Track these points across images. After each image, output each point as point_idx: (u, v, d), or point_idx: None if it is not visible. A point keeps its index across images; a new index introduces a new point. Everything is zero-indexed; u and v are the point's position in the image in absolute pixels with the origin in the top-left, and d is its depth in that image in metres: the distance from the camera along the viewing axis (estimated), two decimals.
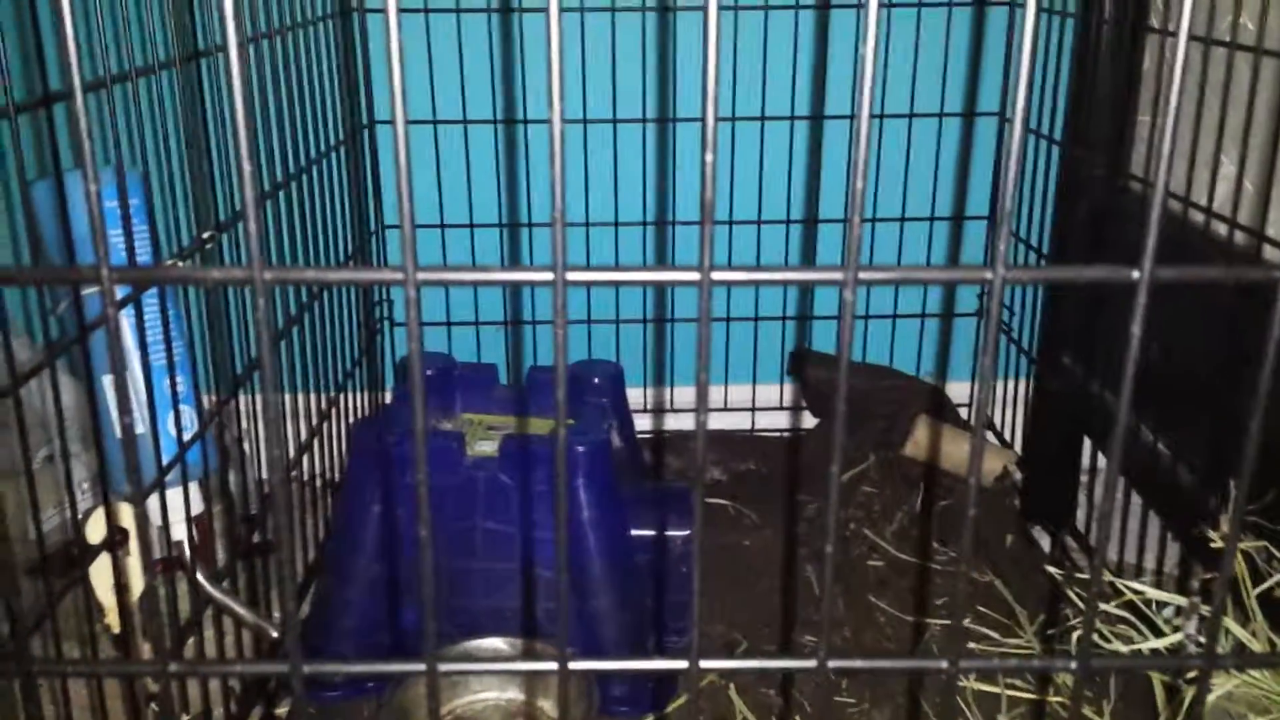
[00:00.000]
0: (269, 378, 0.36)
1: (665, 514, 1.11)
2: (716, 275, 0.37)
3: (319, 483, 1.26)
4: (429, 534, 0.39)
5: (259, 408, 1.03)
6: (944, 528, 1.33)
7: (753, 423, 1.61)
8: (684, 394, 1.61)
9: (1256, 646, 0.85)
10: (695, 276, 0.37)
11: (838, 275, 0.37)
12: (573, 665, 0.41)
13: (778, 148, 1.52)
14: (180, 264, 0.81)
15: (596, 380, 1.23)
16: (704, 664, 0.42)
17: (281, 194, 1.07)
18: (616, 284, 0.37)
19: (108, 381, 0.81)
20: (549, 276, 0.36)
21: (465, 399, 1.23)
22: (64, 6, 0.33)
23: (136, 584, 0.78)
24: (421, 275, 0.36)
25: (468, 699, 1.03)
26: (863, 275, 0.37)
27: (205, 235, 0.85)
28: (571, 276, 0.36)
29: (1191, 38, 1.05)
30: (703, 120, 0.35)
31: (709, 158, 0.35)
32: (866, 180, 0.36)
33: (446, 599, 1.07)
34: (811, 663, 0.43)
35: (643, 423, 1.57)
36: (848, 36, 1.47)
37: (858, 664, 0.44)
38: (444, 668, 0.41)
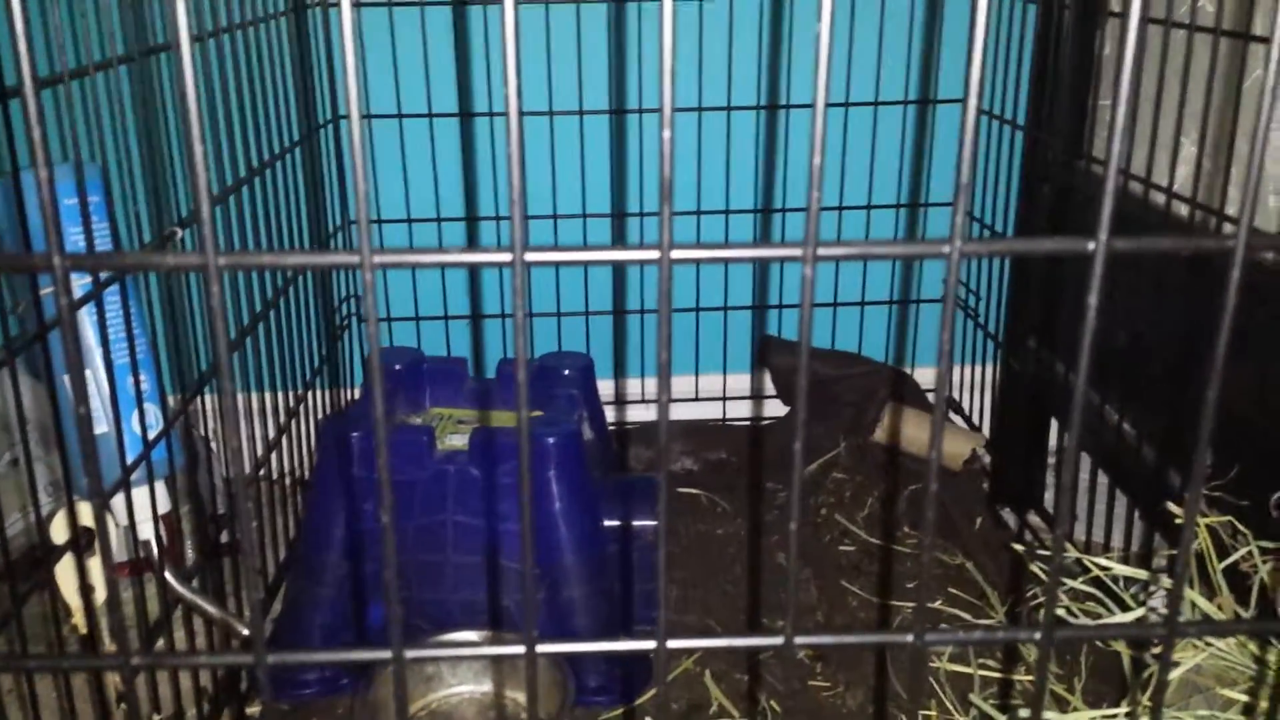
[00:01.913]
0: (224, 366, 0.36)
1: (636, 504, 1.11)
2: (676, 254, 0.37)
3: (288, 481, 1.25)
4: (390, 520, 0.39)
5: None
6: (914, 512, 1.34)
7: (724, 412, 1.62)
8: (654, 385, 1.61)
9: (1222, 619, 0.86)
10: (655, 255, 0.37)
11: (797, 251, 0.37)
12: (539, 648, 0.41)
13: (744, 138, 1.52)
14: None
15: (566, 372, 1.23)
16: (671, 643, 0.42)
17: (245, 189, 1.06)
18: (576, 264, 0.37)
19: (69, 381, 0.80)
20: (507, 257, 0.36)
21: (435, 393, 1.23)
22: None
23: (101, 584, 0.77)
24: (378, 258, 0.35)
25: (443, 693, 1.02)
26: (822, 251, 0.37)
27: (166, 232, 0.84)
28: (530, 257, 0.36)
29: (1150, 20, 1.06)
30: (660, 96, 0.35)
31: (666, 134, 0.35)
32: (824, 156, 0.36)
33: (417, 593, 1.07)
34: (778, 640, 0.43)
35: (614, 414, 1.58)
36: (813, 24, 1.47)
37: (824, 640, 0.44)
38: (410, 654, 0.41)
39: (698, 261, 0.37)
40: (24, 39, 0.34)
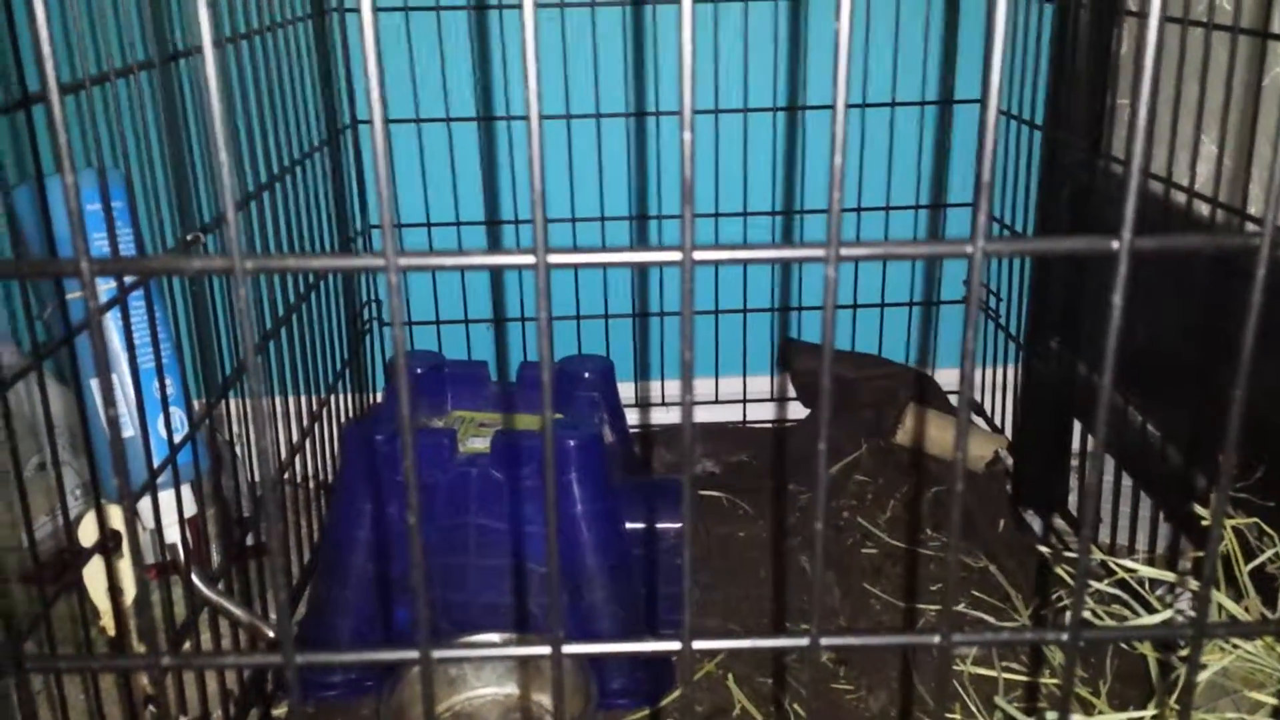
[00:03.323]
0: (252, 367, 0.36)
1: (658, 506, 1.11)
2: (698, 254, 0.37)
3: (312, 484, 1.26)
4: (417, 521, 0.39)
5: (249, 410, 1.03)
6: (936, 514, 1.33)
7: (744, 415, 1.62)
8: (675, 388, 1.61)
9: (1249, 621, 0.85)
10: (677, 256, 0.37)
11: (820, 251, 0.37)
12: (566, 649, 0.42)
13: (761, 140, 1.52)
14: None
15: (587, 375, 1.23)
16: (696, 644, 0.42)
17: (266, 195, 1.07)
18: (599, 265, 0.38)
19: (95, 385, 0.81)
20: (530, 259, 0.36)
21: (456, 396, 1.23)
22: (38, 6, 0.33)
23: (129, 586, 0.78)
24: (403, 260, 0.36)
25: (466, 695, 1.03)
26: (845, 251, 0.37)
27: (189, 236, 0.85)
28: (553, 259, 0.37)
29: (1168, 19, 1.06)
30: (680, 97, 0.35)
31: (687, 136, 0.35)
32: (845, 156, 0.36)
33: (441, 595, 1.07)
34: (804, 641, 0.43)
35: (635, 417, 1.58)
36: (828, 26, 1.47)
37: (850, 640, 0.44)
38: (438, 654, 0.41)
39: (720, 263, 0.37)
40: (47, 43, 0.34)
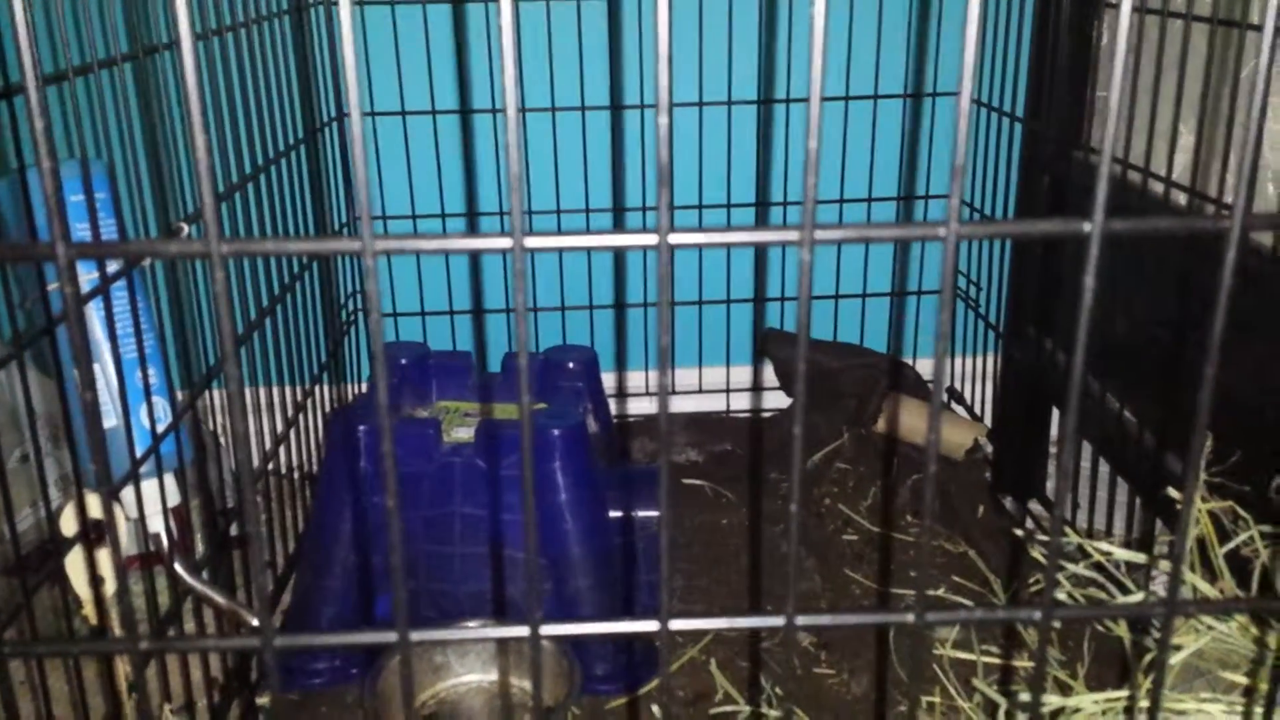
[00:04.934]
0: (230, 352, 0.37)
1: (640, 495, 1.12)
2: (675, 237, 0.37)
3: (296, 475, 1.26)
4: (395, 504, 0.40)
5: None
6: (916, 501, 1.34)
7: (727, 404, 1.62)
8: (657, 375, 1.61)
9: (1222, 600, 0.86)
10: (653, 240, 0.37)
11: (795, 234, 0.38)
12: (544, 630, 0.42)
13: (745, 132, 1.52)
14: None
15: (571, 365, 1.23)
16: (673, 624, 0.42)
17: (249, 187, 1.07)
18: (575, 249, 0.38)
19: (78, 375, 0.81)
20: (508, 243, 0.37)
21: (441, 387, 1.23)
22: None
23: (110, 576, 0.78)
24: (380, 244, 0.36)
25: (451, 682, 1.03)
26: (820, 234, 0.38)
27: (174, 226, 0.85)
28: (530, 242, 0.37)
29: (1147, 10, 1.07)
30: (656, 84, 0.35)
31: (663, 120, 0.36)
32: (821, 142, 0.37)
33: (425, 584, 1.08)
34: (780, 620, 0.43)
35: (618, 407, 1.58)
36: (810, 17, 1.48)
37: (825, 620, 0.44)
38: (415, 636, 0.42)
39: (696, 245, 0.38)
40: (25, 28, 0.34)
